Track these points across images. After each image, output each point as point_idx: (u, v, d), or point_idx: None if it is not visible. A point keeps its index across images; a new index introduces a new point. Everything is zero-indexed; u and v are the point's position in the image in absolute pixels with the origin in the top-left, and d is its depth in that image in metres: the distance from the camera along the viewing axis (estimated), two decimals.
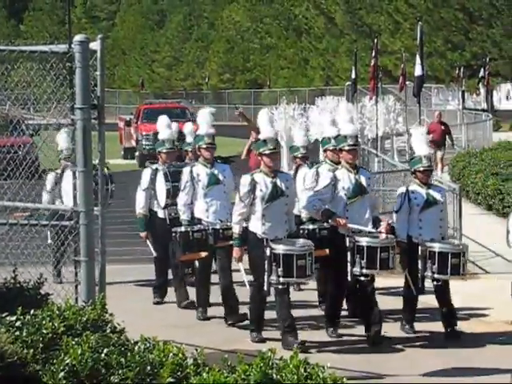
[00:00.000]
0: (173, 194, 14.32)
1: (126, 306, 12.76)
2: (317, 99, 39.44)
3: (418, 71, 31.32)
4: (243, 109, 44.19)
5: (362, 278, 12.53)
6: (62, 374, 6.35)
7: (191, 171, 13.81)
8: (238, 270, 13.74)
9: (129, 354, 6.54)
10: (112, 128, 40.16)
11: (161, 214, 15.17)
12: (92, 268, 9.88)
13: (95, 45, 9.52)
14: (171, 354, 6.59)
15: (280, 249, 11.67)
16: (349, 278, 12.46)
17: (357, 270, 12.28)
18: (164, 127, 16.10)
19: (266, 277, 11.84)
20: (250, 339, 12.46)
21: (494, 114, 50.22)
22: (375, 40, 40.96)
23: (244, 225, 12.52)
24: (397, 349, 12.65)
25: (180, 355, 6.61)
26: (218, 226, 13.38)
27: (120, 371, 6.34)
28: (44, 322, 7.49)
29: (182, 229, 13.27)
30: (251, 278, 12.92)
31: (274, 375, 5.73)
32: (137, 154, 42.35)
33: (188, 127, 17.00)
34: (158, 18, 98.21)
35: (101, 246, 9.91)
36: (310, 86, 70.55)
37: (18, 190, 10.36)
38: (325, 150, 14.67)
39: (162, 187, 14.59)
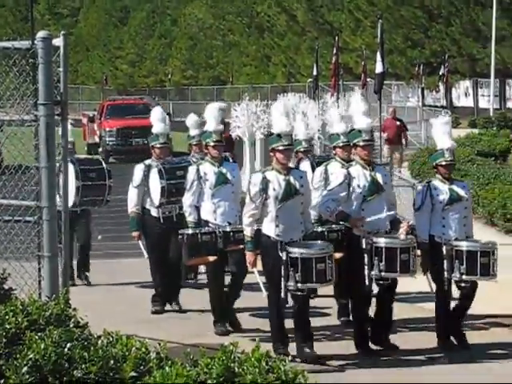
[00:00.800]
0: (168, 192, 13.23)
1: (91, 300, 12.60)
2: (279, 96, 39.38)
3: (378, 68, 31.42)
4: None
5: (381, 282, 11.39)
6: (25, 368, 6.36)
7: (198, 170, 12.47)
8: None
9: (92, 348, 6.56)
10: (75, 124, 40.23)
11: (154, 212, 13.87)
12: (55, 263, 10.01)
13: (58, 41, 9.62)
14: (134, 348, 6.62)
15: (297, 252, 10.42)
16: (366, 282, 11.26)
17: (375, 273, 11.07)
18: (157, 120, 14.53)
19: (282, 283, 10.60)
20: (273, 350, 10.57)
21: (453, 110, 50.55)
22: (336, 37, 41.24)
23: (255, 227, 11.21)
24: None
25: (143, 349, 6.63)
26: (228, 229, 12.06)
27: (83, 365, 6.36)
28: (7, 317, 7.50)
29: (190, 231, 12.00)
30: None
31: (236, 368, 5.76)
32: (100, 149, 42.51)
33: (192, 118, 15.32)
34: (121, 14, 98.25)
35: (64, 242, 9.99)
36: (272, 82, 70.70)
37: None
38: (334, 147, 13.36)
39: (156, 185, 13.44)
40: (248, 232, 10.92)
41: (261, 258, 11.12)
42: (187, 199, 12.39)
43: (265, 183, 10.69)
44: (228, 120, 22.62)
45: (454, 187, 11.78)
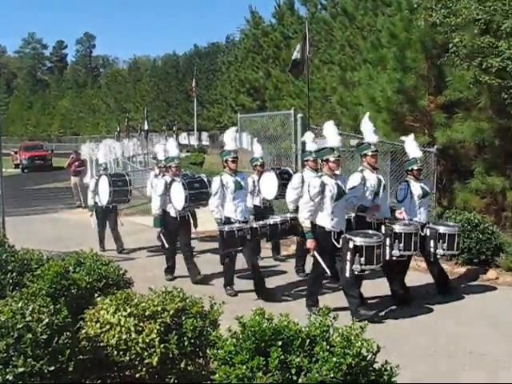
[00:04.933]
0: (189, 199, 9.02)
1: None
2: (103, 140, 38.07)
3: (146, 127, 31.30)
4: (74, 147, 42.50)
5: (401, 259, 7.62)
6: None
7: (221, 180, 8.29)
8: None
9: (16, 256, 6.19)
10: (8, 155, 38.28)
11: (172, 213, 9.31)
12: None
13: None
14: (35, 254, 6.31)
15: (361, 241, 6.84)
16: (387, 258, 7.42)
17: (396, 252, 7.40)
18: (173, 147, 10.02)
19: (348, 265, 6.85)
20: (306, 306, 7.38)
21: (181, 146, 50.54)
22: (127, 116, 40.32)
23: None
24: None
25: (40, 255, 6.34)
26: (254, 225, 8.18)
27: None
28: None
29: (227, 228, 7.90)
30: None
31: (82, 260, 5.59)
32: (20, 166, 40.13)
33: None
34: (28, 104, 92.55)
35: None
36: (99, 134, 67.59)
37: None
38: (306, 160, 9.16)
39: (180, 194, 9.08)
40: (308, 224, 7.19)
41: (318, 244, 7.17)
42: (214, 202, 8.26)
43: (323, 186, 7.14)
44: (79, 151, 21.27)
45: (422, 185, 8.24)
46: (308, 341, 3.31)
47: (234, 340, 3.25)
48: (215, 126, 48.40)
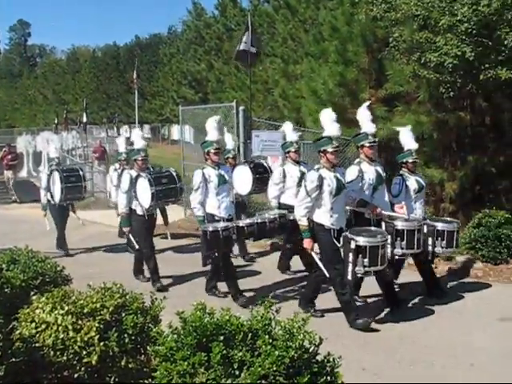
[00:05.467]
0: (156, 196, 8.03)
1: None
2: (41, 133, 36.92)
3: (84, 119, 30.59)
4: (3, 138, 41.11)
5: (403, 258, 7.09)
6: None
7: (203, 173, 7.39)
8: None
9: None
10: None
11: (139, 211, 8.28)
12: None
13: None
14: None
15: (365, 241, 6.12)
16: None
17: (398, 250, 6.76)
18: (139, 139, 8.70)
19: (350, 267, 6.12)
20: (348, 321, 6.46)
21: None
22: (65, 110, 39.27)
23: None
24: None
25: None
26: (241, 224, 7.16)
27: None
28: None
29: (211, 228, 6.92)
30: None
31: (17, 257, 5.42)
32: None
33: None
34: None
35: None
36: (36, 126, 65.66)
37: None
38: (288, 152, 8.53)
39: (146, 191, 8.03)
40: (304, 222, 6.49)
41: (318, 244, 6.56)
42: (196, 198, 7.40)
43: (321, 180, 6.40)
44: (13, 144, 20.72)
45: (418, 178, 7.58)
46: (250, 335, 3.29)
47: (175, 336, 3.21)
48: (157, 118, 47.89)
